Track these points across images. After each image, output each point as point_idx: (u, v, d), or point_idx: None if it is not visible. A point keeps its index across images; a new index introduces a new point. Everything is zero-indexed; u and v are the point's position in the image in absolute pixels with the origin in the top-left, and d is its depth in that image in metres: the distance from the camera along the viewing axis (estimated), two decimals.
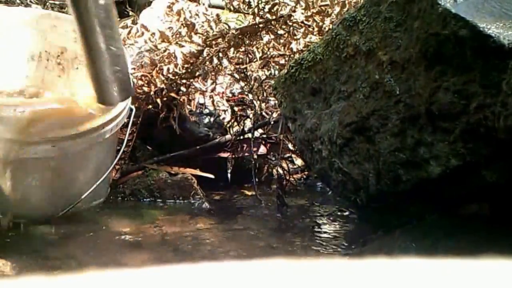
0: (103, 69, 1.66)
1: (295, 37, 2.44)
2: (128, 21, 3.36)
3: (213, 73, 2.52)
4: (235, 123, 2.60)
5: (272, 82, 2.28)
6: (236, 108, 2.60)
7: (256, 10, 2.45)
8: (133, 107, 2.25)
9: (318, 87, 1.90)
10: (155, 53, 2.51)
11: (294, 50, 2.43)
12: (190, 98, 2.55)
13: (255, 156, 2.47)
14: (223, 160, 2.53)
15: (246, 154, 2.53)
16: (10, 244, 1.87)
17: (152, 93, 2.45)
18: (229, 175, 2.49)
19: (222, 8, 2.94)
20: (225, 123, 2.64)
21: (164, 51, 2.49)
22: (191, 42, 2.47)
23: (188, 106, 2.54)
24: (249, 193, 2.49)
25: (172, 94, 2.48)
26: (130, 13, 3.74)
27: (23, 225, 1.98)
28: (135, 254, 1.85)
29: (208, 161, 2.54)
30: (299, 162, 2.67)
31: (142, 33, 2.61)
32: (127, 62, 1.79)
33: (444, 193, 1.61)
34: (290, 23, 2.43)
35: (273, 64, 2.51)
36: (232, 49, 2.50)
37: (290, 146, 2.53)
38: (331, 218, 2.20)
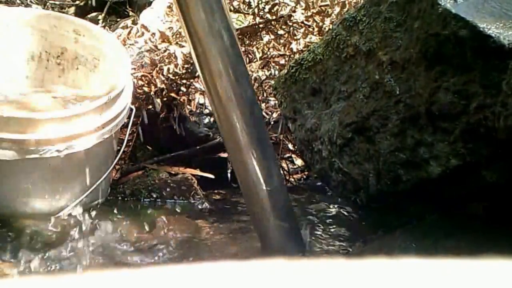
0: (262, 214, 1.53)
1: (295, 37, 2.44)
2: (128, 21, 3.36)
3: None
4: None
5: (272, 82, 2.28)
6: None
7: (256, 10, 2.45)
8: (133, 107, 2.25)
9: (318, 87, 1.90)
10: (155, 53, 2.51)
11: (294, 50, 2.44)
12: (190, 98, 2.55)
13: None
14: (223, 160, 2.52)
15: None
16: (8, 243, 1.87)
17: (152, 93, 2.45)
18: (229, 175, 2.49)
19: None
20: None
21: (164, 51, 2.49)
22: None
23: (188, 106, 2.54)
24: None
25: (172, 94, 2.48)
26: (130, 13, 3.74)
27: (22, 225, 1.98)
28: (135, 254, 1.85)
29: (208, 161, 2.54)
30: (299, 162, 2.67)
31: (142, 33, 2.61)
32: (288, 199, 1.56)
33: (444, 193, 1.61)
34: (290, 23, 2.43)
35: (273, 64, 2.51)
36: None
37: (290, 146, 2.53)
38: (331, 218, 2.20)
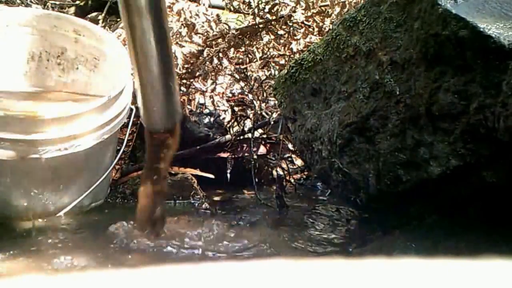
0: (152, 98, 1.71)
1: (295, 38, 2.44)
2: None
3: (213, 73, 2.52)
4: (235, 123, 2.60)
5: (272, 82, 2.28)
6: (236, 108, 2.61)
7: (256, 10, 2.45)
8: (133, 107, 2.25)
9: (318, 87, 1.90)
10: None
11: (294, 50, 2.44)
12: (190, 98, 2.55)
13: (255, 156, 2.48)
14: (223, 160, 2.53)
15: (246, 154, 2.53)
16: (8, 243, 1.87)
17: None
18: (228, 175, 2.49)
19: (222, 8, 2.94)
20: (225, 123, 2.64)
21: None
22: (191, 42, 2.47)
23: (188, 106, 2.54)
24: (249, 193, 2.49)
25: None
26: None
27: (21, 225, 1.98)
28: (135, 254, 1.85)
29: (208, 161, 2.54)
30: (299, 162, 2.67)
31: None
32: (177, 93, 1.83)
33: (444, 194, 1.61)
34: (290, 24, 2.43)
35: (273, 64, 2.51)
36: (232, 49, 2.50)
37: (290, 146, 2.53)
38: (331, 218, 2.20)
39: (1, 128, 1.89)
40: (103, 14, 3.68)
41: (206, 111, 2.66)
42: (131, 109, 2.24)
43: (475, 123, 1.43)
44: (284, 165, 2.49)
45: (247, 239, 2.01)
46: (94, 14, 3.81)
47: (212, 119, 2.65)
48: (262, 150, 2.55)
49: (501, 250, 1.43)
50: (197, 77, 2.52)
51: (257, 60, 2.53)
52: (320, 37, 2.28)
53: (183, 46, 2.46)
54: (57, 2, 3.81)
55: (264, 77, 2.53)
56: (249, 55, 2.52)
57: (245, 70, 2.54)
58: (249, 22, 2.55)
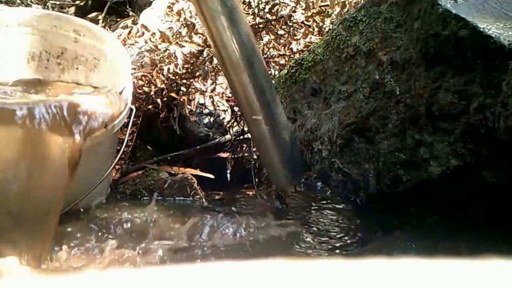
0: (270, 154, 1.79)
1: (295, 38, 2.44)
2: (129, 21, 3.36)
3: (213, 73, 2.52)
4: (235, 123, 2.60)
5: (272, 82, 2.28)
6: (236, 108, 2.61)
7: (256, 10, 2.45)
8: (133, 107, 2.24)
9: (318, 87, 1.90)
10: (155, 53, 2.51)
11: (294, 50, 2.44)
12: (190, 98, 2.55)
13: (255, 156, 2.48)
14: (223, 160, 2.53)
15: (246, 154, 2.53)
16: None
17: (152, 93, 2.45)
18: (228, 175, 2.49)
19: None
20: (225, 123, 2.64)
21: (165, 51, 2.49)
22: (191, 42, 2.47)
23: (188, 106, 2.54)
24: (249, 193, 2.49)
25: (172, 94, 2.48)
26: (131, 13, 3.75)
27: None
28: (135, 254, 1.85)
29: (208, 161, 2.54)
30: None
31: (143, 33, 2.61)
32: (292, 137, 1.85)
33: (444, 194, 1.61)
34: (290, 24, 2.43)
35: (273, 64, 2.51)
36: None
37: None
38: (331, 218, 2.20)
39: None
40: (103, 14, 3.69)
41: (206, 111, 2.66)
42: (131, 109, 2.23)
43: (475, 123, 1.43)
44: None
45: (246, 239, 2.01)
46: (94, 14, 3.82)
47: (212, 119, 2.65)
48: None
49: (501, 250, 1.43)
50: (197, 77, 2.52)
51: None
52: (320, 37, 2.28)
53: (183, 46, 2.46)
54: (57, 2, 3.81)
55: None
56: None
57: None
58: (249, 22, 2.55)
